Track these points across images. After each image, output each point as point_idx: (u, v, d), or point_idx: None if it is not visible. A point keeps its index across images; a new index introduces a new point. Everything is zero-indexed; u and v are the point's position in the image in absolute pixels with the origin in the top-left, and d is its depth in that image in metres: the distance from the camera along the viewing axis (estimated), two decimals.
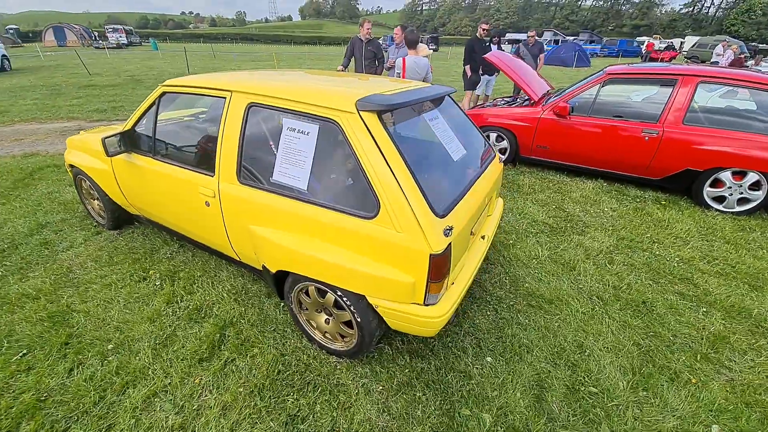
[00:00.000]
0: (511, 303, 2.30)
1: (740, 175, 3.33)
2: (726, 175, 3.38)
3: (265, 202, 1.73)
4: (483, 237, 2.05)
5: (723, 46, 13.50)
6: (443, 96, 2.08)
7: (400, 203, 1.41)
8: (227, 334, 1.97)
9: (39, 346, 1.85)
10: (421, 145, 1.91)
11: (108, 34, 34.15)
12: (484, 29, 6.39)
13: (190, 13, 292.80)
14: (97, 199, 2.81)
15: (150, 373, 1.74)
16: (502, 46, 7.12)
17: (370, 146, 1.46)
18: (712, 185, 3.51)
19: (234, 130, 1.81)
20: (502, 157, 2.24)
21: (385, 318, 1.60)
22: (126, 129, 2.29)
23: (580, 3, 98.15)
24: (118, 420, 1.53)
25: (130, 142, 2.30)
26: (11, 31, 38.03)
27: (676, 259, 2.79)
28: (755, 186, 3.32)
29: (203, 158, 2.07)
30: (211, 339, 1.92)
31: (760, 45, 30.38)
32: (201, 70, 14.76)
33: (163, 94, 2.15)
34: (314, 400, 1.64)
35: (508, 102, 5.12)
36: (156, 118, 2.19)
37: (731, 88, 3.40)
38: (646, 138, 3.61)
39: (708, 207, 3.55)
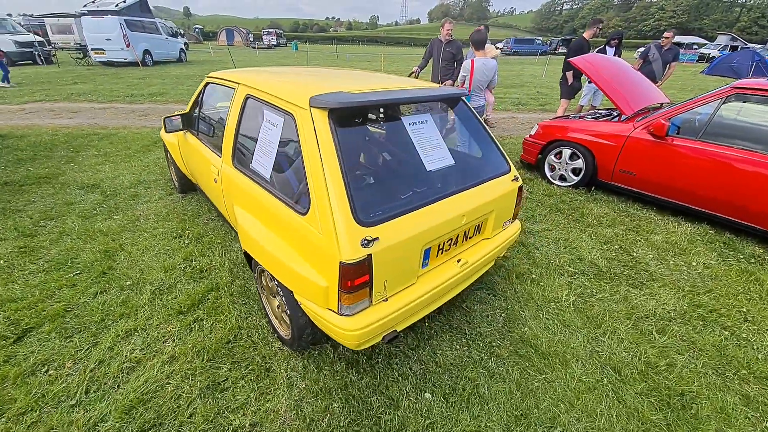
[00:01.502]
0: (493, 343, 1.97)
1: None
2: None
3: (243, 186, 1.88)
4: (459, 261, 1.81)
5: None
6: (443, 99, 1.90)
7: (324, 204, 1.37)
8: (209, 297, 2.22)
9: (87, 270, 2.40)
10: (386, 149, 1.78)
11: (264, 37, 41.16)
12: (598, 28, 5.51)
13: (333, 18, 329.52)
14: (174, 166, 3.47)
15: (140, 311, 2.09)
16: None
17: (312, 143, 1.44)
18: None
19: (234, 118, 2.01)
20: (518, 177, 1.94)
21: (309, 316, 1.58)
22: (185, 112, 2.77)
23: None
24: (102, 341, 1.89)
25: (186, 122, 2.76)
26: (197, 30, 49.08)
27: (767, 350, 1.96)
28: None
29: (218, 141, 2.35)
30: (194, 298, 2.19)
31: None
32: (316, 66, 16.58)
33: (207, 84, 2.52)
34: (242, 376, 1.73)
35: (604, 115, 4.30)
36: (201, 103, 2.58)
37: None
38: None
39: None
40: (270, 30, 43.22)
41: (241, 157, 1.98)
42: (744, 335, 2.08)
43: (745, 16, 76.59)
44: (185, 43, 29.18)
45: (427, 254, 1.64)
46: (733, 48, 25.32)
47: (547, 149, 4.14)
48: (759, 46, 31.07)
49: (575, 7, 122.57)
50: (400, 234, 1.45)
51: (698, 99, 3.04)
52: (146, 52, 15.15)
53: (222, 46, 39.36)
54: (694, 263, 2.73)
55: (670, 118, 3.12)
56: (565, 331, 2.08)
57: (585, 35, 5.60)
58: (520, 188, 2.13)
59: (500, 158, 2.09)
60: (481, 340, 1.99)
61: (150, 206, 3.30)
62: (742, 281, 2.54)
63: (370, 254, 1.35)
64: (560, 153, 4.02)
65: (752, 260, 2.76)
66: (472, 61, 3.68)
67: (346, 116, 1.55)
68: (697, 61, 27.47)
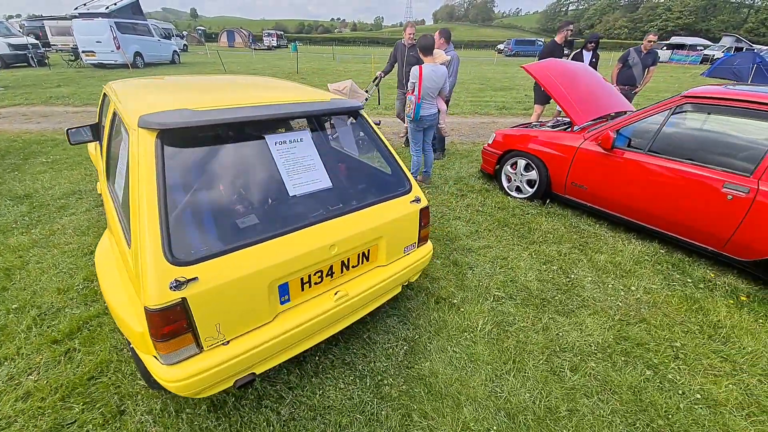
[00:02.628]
0: (384, 382, 1.80)
1: None
2: None
3: (108, 207, 1.74)
4: (336, 293, 1.64)
5: None
6: (324, 114, 1.73)
7: (138, 237, 1.21)
8: (92, 324, 2.07)
9: None
10: (239, 172, 1.60)
11: (264, 38, 41.24)
12: (569, 30, 5.32)
13: (338, 19, 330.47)
14: None
15: (16, 339, 1.94)
16: (597, 52, 5.76)
17: (135, 167, 1.28)
18: None
19: (106, 134, 1.89)
20: (419, 198, 1.76)
21: None
22: (95, 122, 2.63)
23: None
24: None
25: (95, 133, 2.62)
26: (199, 32, 49.35)
27: (699, 395, 1.76)
28: None
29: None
30: (75, 325, 2.04)
31: None
32: (305, 68, 16.45)
33: (104, 94, 2.39)
34: (91, 419, 1.57)
35: (565, 124, 4.09)
36: (100, 114, 2.45)
37: None
38: (730, 196, 2.38)
39: None
40: (271, 31, 43.28)
41: (111, 176, 1.83)
42: (670, 376, 1.88)
43: (753, 17, 75.34)
44: (184, 45, 29.60)
45: (284, 290, 1.48)
46: (738, 49, 24.75)
47: (504, 159, 3.95)
48: (765, 47, 30.45)
49: (581, 7, 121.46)
50: (233, 271, 1.28)
51: (648, 109, 2.84)
52: (137, 54, 15.15)
53: (223, 47, 39.53)
54: (634, 287, 2.53)
55: (617, 130, 2.91)
56: (470, 366, 1.90)
57: (556, 39, 5.42)
58: (424, 210, 1.95)
59: (400, 178, 1.92)
60: (371, 378, 1.82)
61: (73, 219, 3.17)
62: (683, 310, 2.33)
63: (184, 298, 1.18)
64: (516, 163, 3.83)
65: (701, 285, 2.55)
66: (420, 67, 3.50)
67: (186, 137, 1.39)
68: (701, 62, 26.95)
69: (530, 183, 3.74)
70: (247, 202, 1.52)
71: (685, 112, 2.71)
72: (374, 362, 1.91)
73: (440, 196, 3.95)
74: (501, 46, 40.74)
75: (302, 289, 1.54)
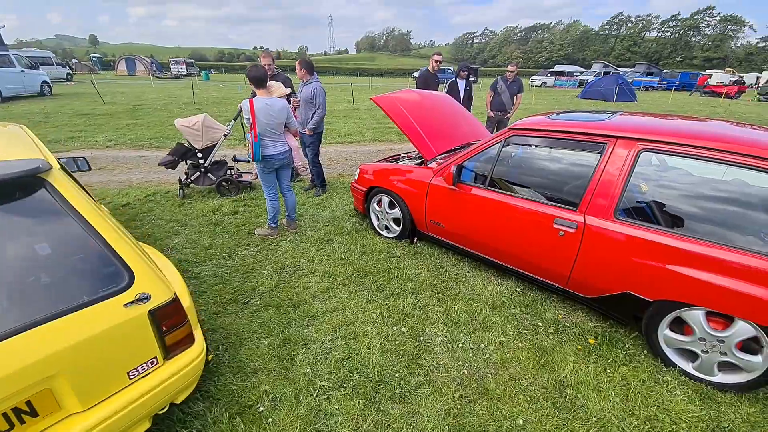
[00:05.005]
0: None
1: (723, 320, 1.81)
2: (695, 317, 1.88)
3: None
4: None
5: None
6: None
7: None
8: None
9: None
10: None
11: (171, 66, 38.39)
12: (437, 61, 5.38)
13: (261, 47, 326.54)
14: None
15: None
16: (472, 79, 5.96)
17: None
18: (674, 327, 2.00)
19: None
20: (145, 296, 1.11)
21: None
22: None
23: (643, 34, 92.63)
24: None
25: None
26: (94, 59, 44.28)
27: None
28: (749, 347, 1.78)
29: None
30: None
31: None
32: (206, 98, 15.28)
33: None
34: None
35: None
36: None
37: (703, 161, 1.90)
38: (561, 232, 2.23)
39: (668, 363, 2.03)
40: (179, 60, 40.54)
41: None
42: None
43: (619, 45, 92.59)
44: (68, 74, 25.83)
45: None
46: (606, 73, 29.54)
47: (370, 196, 3.60)
48: (629, 70, 36.94)
49: (483, 41, 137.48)
50: None
51: (483, 142, 2.68)
52: None
53: (122, 75, 35.73)
54: (484, 344, 2.21)
55: (459, 164, 2.70)
56: None
57: (428, 68, 5.45)
58: (163, 309, 1.36)
59: (109, 270, 1.31)
60: None
61: None
62: (530, 368, 2.04)
63: None
64: (381, 201, 3.49)
65: (551, 330, 2.33)
66: (251, 101, 3.01)
67: None
68: (578, 86, 31.60)
69: (397, 221, 3.42)
70: None
71: (513, 144, 2.59)
72: None
73: (302, 244, 3.42)
74: (416, 74, 43.50)
75: None
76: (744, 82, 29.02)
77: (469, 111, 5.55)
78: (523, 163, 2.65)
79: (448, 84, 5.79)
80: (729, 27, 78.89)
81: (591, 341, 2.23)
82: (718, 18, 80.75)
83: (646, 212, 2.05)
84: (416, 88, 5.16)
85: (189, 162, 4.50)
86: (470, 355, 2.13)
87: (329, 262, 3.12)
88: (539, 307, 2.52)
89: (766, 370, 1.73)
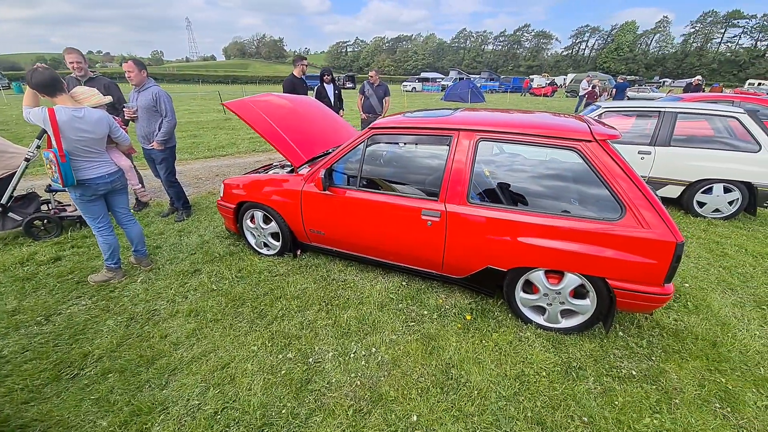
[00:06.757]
0: None
1: (557, 275, 2.17)
2: (538, 277, 2.20)
3: None
4: None
5: (587, 81, 14.62)
6: None
7: None
8: None
9: None
10: None
11: None
12: (304, 65, 5.23)
13: (98, 52, 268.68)
14: None
15: None
16: (346, 84, 6.02)
17: None
18: (526, 289, 2.32)
19: None
20: None
21: None
22: None
23: (483, 47, 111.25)
24: None
25: None
26: None
27: None
28: (580, 293, 2.18)
29: None
30: None
31: (628, 77, 34.18)
32: (7, 116, 11.76)
33: None
34: None
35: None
36: None
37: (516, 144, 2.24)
38: (429, 222, 2.35)
39: (526, 321, 2.34)
40: None
41: None
42: None
43: (467, 56, 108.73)
44: None
45: None
46: (460, 79, 34.26)
47: (241, 213, 3.21)
48: (477, 76, 43.63)
49: (356, 49, 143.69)
50: None
51: (348, 143, 2.65)
52: None
53: None
54: (375, 347, 2.17)
55: (328, 168, 2.61)
56: None
57: (294, 72, 5.26)
58: None
59: None
60: None
61: None
62: (420, 359, 2.08)
63: None
64: (253, 216, 3.14)
65: (435, 316, 2.45)
66: (51, 110, 2.31)
67: None
68: (441, 90, 35.88)
69: (275, 236, 3.13)
70: None
71: (375, 143, 2.64)
72: None
73: (159, 282, 2.82)
74: None
75: None
76: (556, 83, 37.55)
77: (340, 113, 5.60)
78: (388, 160, 2.72)
79: (315, 89, 5.71)
80: (541, 40, 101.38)
81: (468, 317, 2.41)
82: (533, 33, 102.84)
83: (493, 194, 2.31)
84: (283, 93, 4.90)
85: None
86: (362, 363, 2.05)
87: (196, 297, 2.64)
88: (423, 297, 2.62)
89: (595, 311, 2.14)
